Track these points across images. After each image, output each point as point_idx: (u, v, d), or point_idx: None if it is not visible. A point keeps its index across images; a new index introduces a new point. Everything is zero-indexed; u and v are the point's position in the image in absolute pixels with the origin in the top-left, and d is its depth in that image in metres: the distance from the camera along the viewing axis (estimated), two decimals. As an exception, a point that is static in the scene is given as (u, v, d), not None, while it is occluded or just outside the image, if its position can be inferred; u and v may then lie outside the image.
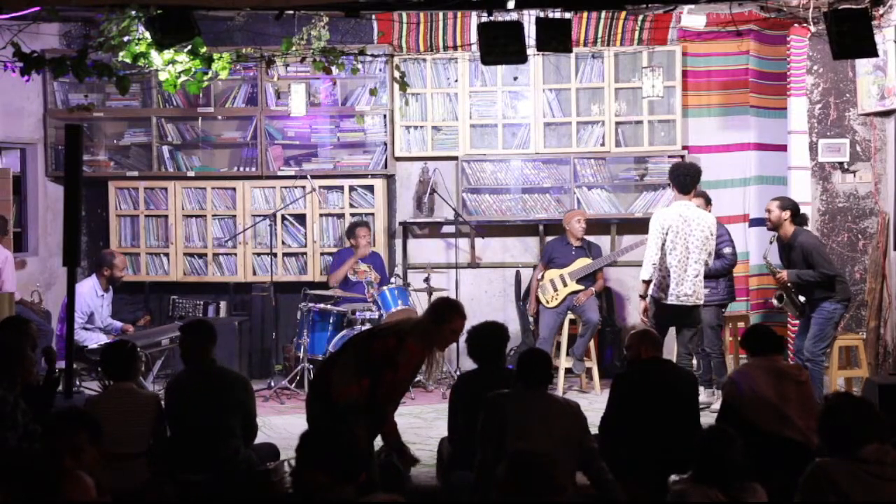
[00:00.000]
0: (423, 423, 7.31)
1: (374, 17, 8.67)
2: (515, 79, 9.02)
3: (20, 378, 4.89)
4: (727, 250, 7.67)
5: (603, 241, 8.88)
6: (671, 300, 7.09)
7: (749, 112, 8.89)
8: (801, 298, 7.09)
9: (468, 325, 5.40)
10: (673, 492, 3.58)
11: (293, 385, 8.28)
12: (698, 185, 7.36)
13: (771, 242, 7.39)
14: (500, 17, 7.16)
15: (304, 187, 9.04)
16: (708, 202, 7.85)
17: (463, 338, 5.38)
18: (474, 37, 7.83)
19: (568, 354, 8.31)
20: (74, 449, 3.57)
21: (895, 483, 3.48)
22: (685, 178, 7.20)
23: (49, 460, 3.42)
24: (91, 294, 7.97)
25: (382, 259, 8.94)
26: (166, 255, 9.28)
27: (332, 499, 3.33)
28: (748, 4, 7.71)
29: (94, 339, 7.87)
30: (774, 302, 7.32)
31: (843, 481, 3.47)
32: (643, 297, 7.21)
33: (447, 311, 5.10)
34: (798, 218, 7.21)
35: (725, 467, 3.62)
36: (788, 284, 7.09)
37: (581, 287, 8.22)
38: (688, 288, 7.07)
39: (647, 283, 7.14)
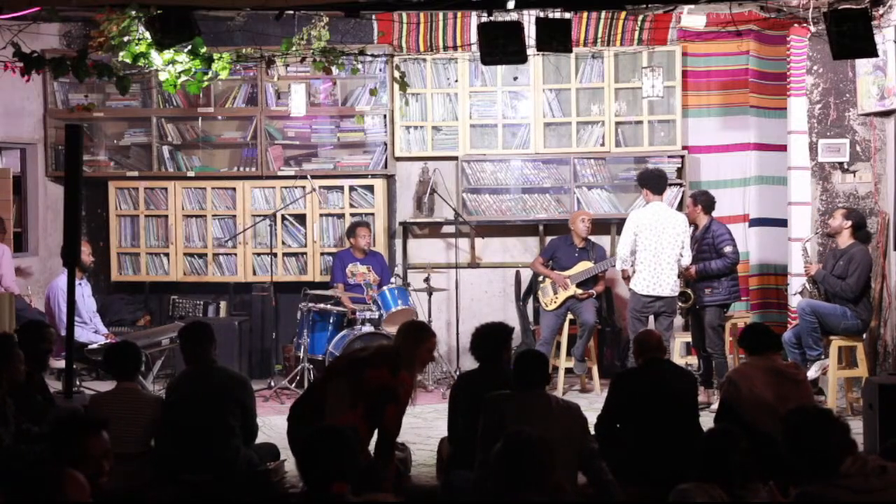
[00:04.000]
0: (423, 423, 7.30)
1: (374, 17, 8.67)
2: (515, 79, 9.02)
3: (6, 376, 4.88)
4: (727, 249, 7.72)
5: (603, 241, 8.86)
6: (647, 291, 7.70)
7: (749, 112, 8.89)
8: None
9: (469, 325, 5.42)
10: (676, 490, 3.57)
11: (293, 385, 8.27)
12: (667, 185, 8.01)
13: (805, 241, 7.75)
14: (500, 17, 7.15)
15: (304, 187, 9.04)
16: (700, 202, 7.88)
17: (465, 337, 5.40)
18: (474, 37, 7.83)
19: (569, 355, 8.31)
20: (105, 451, 3.51)
21: (882, 492, 3.45)
22: (658, 181, 7.87)
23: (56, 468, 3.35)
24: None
25: (384, 259, 8.93)
26: (166, 255, 9.28)
27: (331, 499, 3.33)
28: (748, 4, 7.69)
29: (94, 339, 7.88)
30: (807, 285, 7.56)
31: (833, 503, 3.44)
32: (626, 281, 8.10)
33: (423, 332, 5.11)
34: (860, 232, 7.45)
35: (729, 466, 3.61)
36: (812, 278, 7.49)
37: (580, 291, 8.22)
38: (662, 280, 7.67)
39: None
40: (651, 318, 7.83)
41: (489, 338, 5.28)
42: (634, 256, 7.79)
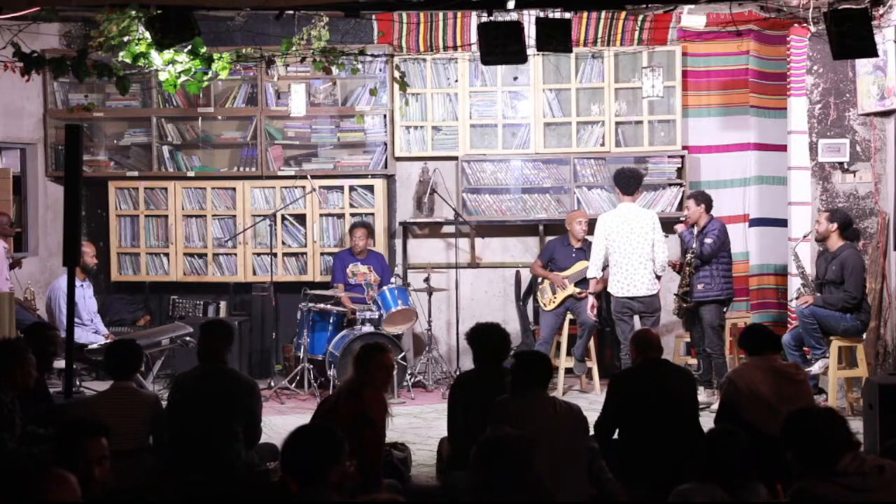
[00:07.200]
0: (422, 422, 7.31)
1: (374, 17, 8.67)
2: (515, 79, 9.02)
3: (19, 380, 4.88)
4: (708, 240, 7.70)
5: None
6: (622, 292, 7.76)
7: (749, 112, 8.89)
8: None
9: (468, 325, 5.41)
10: (676, 491, 3.57)
11: (293, 385, 8.27)
12: (640, 187, 7.98)
13: (795, 243, 7.70)
14: (500, 17, 7.15)
15: (304, 187, 9.05)
16: (703, 201, 7.86)
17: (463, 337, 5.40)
18: (474, 37, 7.83)
19: (569, 355, 8.31)
20: (101, 457, 3.49)
21: (879, 492, 3.45)
22: (626, 181, 7.86)
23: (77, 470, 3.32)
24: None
25: (385, 259, 8.93)
26: (166, 255, 9.28)
27: (328, 499, 3.32)
28: (748, 4, 7.69)
29: (94, 340, 7.88)
30: (802, 289, 7.53)
31: (830, 499, 3.44)
32: (593, 294, 8.10)
33: (369, 352, 5.00)
34: (847, 231, 7.40)
35: (730, 467, 3.61)
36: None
37: (578, 290, 8.22)
38: (636, 280, 7.72)
39: (598, 281, 8.04)
40: (637, 319, 7.84)
41: (486, 337, 5.26)
42: (607, 262, 7.84)
